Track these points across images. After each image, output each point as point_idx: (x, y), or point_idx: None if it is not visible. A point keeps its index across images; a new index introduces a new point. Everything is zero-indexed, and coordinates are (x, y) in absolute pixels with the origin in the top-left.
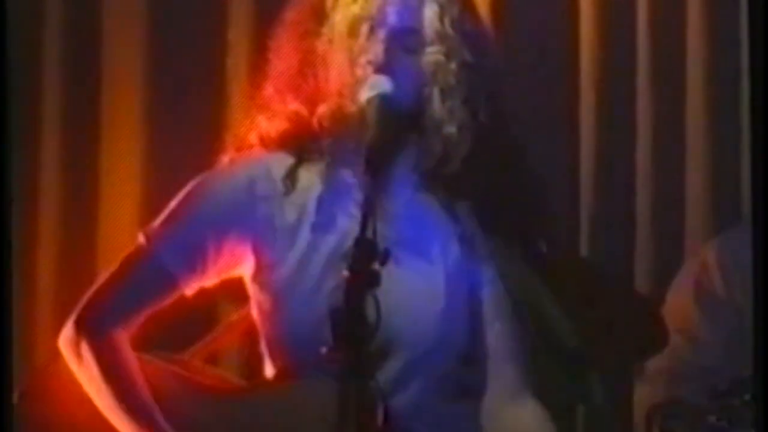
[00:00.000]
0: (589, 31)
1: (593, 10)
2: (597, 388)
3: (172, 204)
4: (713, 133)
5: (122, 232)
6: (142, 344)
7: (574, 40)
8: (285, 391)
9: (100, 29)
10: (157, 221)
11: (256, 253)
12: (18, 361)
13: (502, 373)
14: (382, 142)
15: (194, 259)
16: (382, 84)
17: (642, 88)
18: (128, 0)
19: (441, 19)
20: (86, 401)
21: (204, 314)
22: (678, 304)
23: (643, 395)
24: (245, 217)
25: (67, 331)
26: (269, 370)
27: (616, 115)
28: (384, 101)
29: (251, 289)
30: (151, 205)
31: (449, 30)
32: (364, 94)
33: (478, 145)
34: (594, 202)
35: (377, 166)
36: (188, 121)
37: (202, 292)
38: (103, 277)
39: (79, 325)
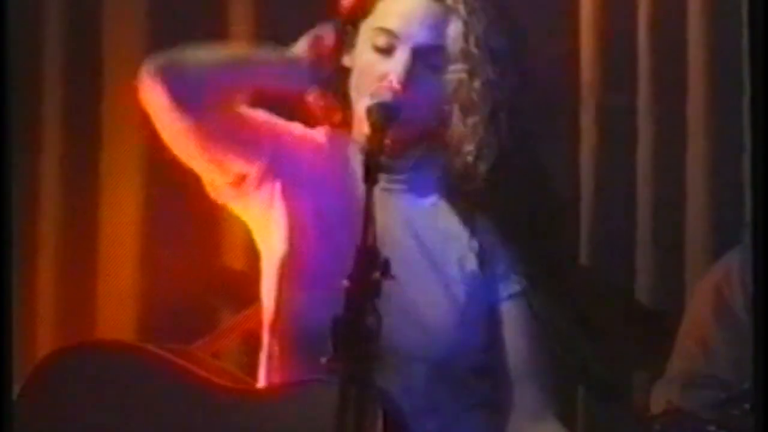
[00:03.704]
0: (589, 35)
1: (593, 14)
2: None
3: None
4: (715, 143)
5: (123, 234)
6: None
7: (574, 44)
8: (287, 395)
9: (100, 33)
10: None
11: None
12: (18, 361)
13: (524, 392)
14: (380, 150)
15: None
16: (383, 93)
17: (643, 96)
18: (129, 4)
19: (466, 38)
20: (85, 397)
21: (205, 319)
22: (697, 311)
23: (655, 403)
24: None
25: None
26: (269, 367)
27: (616, 124)
28: (383, 110)
29: (276, 273)
30: (152, 207)
31: (473, 49)
32: (365, 103)
33: (500, 162)
34: (594, 212)
35: (376, 174)
36: None
37: (205, 295)
38: None
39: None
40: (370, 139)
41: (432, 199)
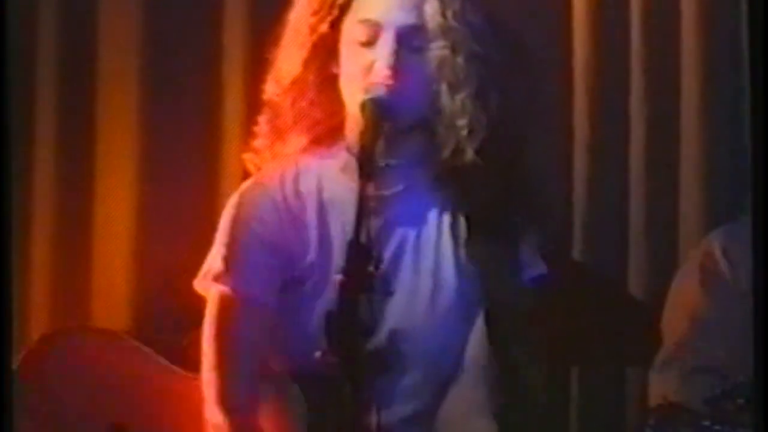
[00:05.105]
0: (582, 32)
1: (586, 13)
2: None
3: (224, 238)
4: (708, 135)
5: (118, 235)
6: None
7: (567, 42)
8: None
9: (95, 34)
10: (221, 264)
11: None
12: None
13: (470, 390)
14: (375, 146)
15: (267, 279)
16: (376, 88)
17: (635, 89)
18: (123, 4)
19: (443, 13)
20: (78, 379)
21: (196, 310)
22: (684, 290)
23: (655, 386)
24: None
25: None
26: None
27: (609, 117)
28: (377, 105)
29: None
30: (147, 208)
31: (452, 23)
32: (359, 98)
33: (488, 138)
34: (587, 205)
35: (370, 169)
36: (183, 125)
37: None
38: (212, 350)
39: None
40: (364, 134)
41: (427, 205)
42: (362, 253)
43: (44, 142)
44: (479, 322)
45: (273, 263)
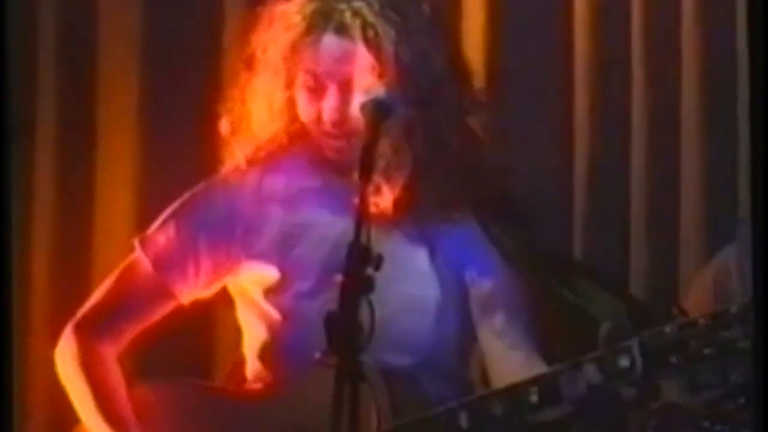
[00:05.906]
0: (583, 32)
1: (587, 13)
2: None
3: (168, 211)
4: (708, 135)
5: (117, 236)
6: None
7: (568, 41)
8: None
9: (95, 34)
10: (152, 228)
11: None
12: (16, 358)
13: (511, 356)
14: (376, 146)
15: (188, 267)
16: (375, 89)
17: (637, 89)
18: (124, 4)
19: (372, 69)
20: None
21: (200, 319)
22: (695, 298)
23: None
24: (239, 226)
25: (62, 342)
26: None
27: (610, 116)
28: (377, 106)
29: (263, 305)
30: (146, 208)
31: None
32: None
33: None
34: (588, 204)
35: (371, 169)
36: (183, 125)
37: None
38: (102, 287)
39: (72, 336)
40: (365, 134)
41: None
42: (362, 254)
43: (44, 143)
44: (498, 294)
45: (201, 252)
